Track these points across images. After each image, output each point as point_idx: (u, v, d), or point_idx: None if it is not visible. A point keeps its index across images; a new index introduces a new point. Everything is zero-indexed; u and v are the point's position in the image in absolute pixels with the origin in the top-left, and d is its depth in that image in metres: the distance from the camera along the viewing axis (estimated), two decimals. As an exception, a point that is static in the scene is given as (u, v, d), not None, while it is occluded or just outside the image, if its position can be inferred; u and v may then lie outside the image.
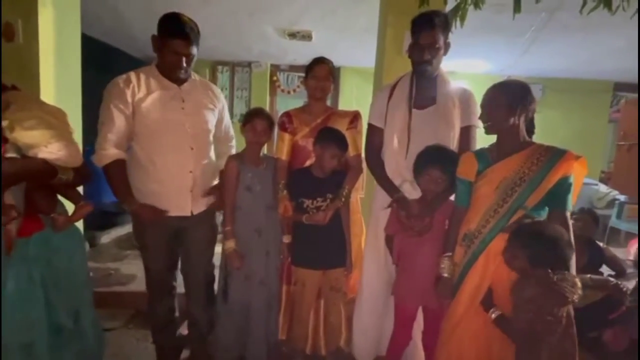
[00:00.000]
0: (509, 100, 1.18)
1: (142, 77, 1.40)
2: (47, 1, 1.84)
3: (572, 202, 1.21)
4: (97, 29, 3.54)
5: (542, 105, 4.82)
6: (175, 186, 1.44)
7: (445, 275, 1.28)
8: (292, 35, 3.58)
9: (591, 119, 4.93)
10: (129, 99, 1.35)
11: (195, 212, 1.49)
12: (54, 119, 1.11)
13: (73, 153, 1.11)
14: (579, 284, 1.05)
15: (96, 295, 1.45)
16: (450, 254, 1.30)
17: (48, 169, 1.05)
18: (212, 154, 1.58)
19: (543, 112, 4.77)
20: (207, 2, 2.85)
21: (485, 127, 1.26)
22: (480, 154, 1.30)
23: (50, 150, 1.04)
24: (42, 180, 1.08)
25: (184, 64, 1.38)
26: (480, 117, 1.27)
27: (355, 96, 4.81)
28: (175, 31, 1.33)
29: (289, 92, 5.15)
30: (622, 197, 3.85)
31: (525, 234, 1.07)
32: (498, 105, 1.19)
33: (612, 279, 1.97)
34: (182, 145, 1.43)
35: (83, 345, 1.24)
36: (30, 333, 1.07)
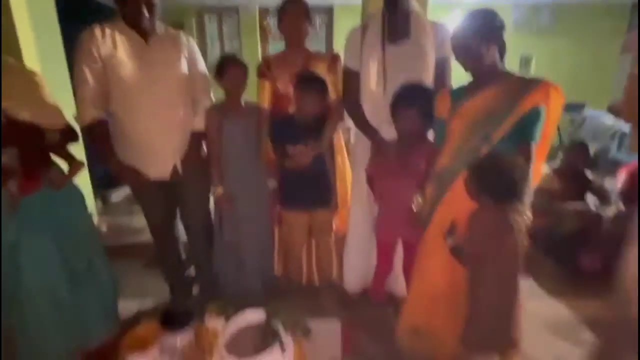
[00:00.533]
0: (474, 32, 1.14)
1: (108, 31, 1.36)
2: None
3: (552, 134, 1.20)
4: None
5: (552, 33, 4.49)
6: (156, 148, 1.45)
7: (415, 210, 1.36)
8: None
9: (604, 48, 4.60)
10: (96, 55, 1.32)
11: (181, 170, 1.52)
12: (29, 81, 1.14)
13: (52, 115, 1.16)
14: (529, 215, 1.08)
15: (110, 249, 1.59)
16: (423, 190, 1.36)
17: (34, 130, 1.11)
18: (189, 108, 1.53)
19: (552, 40, 4.48)
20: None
21: (461, 64, 1.24)
22: (456, 92, 1.29)
23: (31, 112, 1.09)
24: (31, 141, 1.14)
25: (146, 13, 1.32)
26: (454, 54, 1.24)
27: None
28: None
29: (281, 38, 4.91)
30: (626, 130, 3.76)
31: (478, 167, 1.09)
32: (464, 38, 1.15)
33: (593, 208, 2.04)
34: (156, 104, 1.41)
35: (98, 286, 1.41)
36: (50, 279, 1.23)
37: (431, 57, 1.45)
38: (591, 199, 2.23)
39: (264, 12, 4.74)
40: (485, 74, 1.19)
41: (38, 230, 1.16)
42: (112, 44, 1.35)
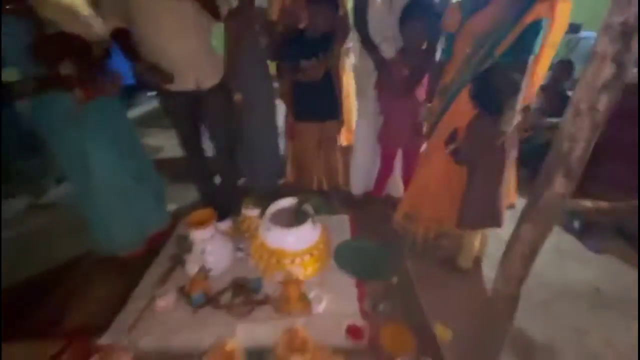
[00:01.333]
0: None
1: None
2: None
3: (555, 47, 1.25)
4: None
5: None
6: (176, 64, 1.53)
7: (422, 121, 1.57)
8: None
9: None
10: None
11: (202, 87, 1.63)
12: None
13: (97, 29, 1.26)
14: (513, 121, 1.26)
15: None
16: (429, 104, 1.54)
17: (84, 44, 1.23)
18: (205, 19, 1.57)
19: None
20: None
21: None
22: (465, 4, 1.32)
23: (81, 27, 1.19)
24: (82, 54, 1.27)
25: None
26: None
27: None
28: None
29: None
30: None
31: (479, 80, 1.25)
32: None
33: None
34: (173, 17, 1.45)
35: (152, 183, 1.69)
36: (116, 177, 1.47)
37: None
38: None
39: None
40: None
41: (100, 136, 1.37)
42: None
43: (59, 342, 1.10)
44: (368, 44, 1.66)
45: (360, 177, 2.10)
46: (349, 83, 2.06)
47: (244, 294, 1.28)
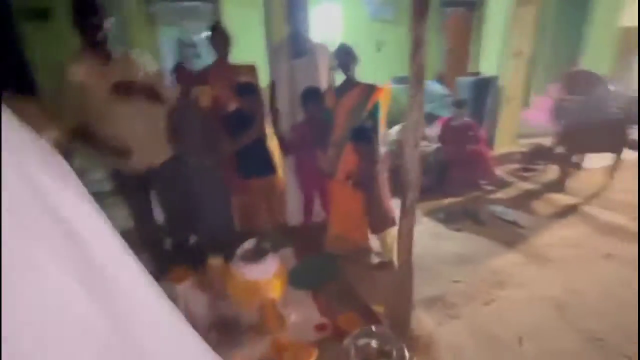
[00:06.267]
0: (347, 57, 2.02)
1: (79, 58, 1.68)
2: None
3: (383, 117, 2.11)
4: None
5: (396, 23, 5.70)
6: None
7: (325, 168, 2.20)
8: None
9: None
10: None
11: (153, 164, 1.91)
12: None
13: None
14: (380, 153, 2.05)
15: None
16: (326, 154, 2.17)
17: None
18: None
19: (396, 28, 5.75)
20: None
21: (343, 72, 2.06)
22: (337, 90, 2.12)
23: None
24: None
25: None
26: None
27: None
28: None
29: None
30: (446, 93, 5.39)
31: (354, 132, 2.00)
32: (343, 59, 2.01)
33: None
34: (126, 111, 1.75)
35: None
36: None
37: (323, 67, 2.20)
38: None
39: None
40: (350, 80, 2.04)
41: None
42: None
43: None
44: (274, 117, 2.27)
45: (294, 212, 2.58)
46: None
47: (228, 330, 1.57)
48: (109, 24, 1.70)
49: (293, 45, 2.13)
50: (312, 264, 1.99)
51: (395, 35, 5.65)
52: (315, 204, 2.50)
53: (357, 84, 2.07)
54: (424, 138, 3.44)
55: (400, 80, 5.39)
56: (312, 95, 2.09)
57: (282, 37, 2.21)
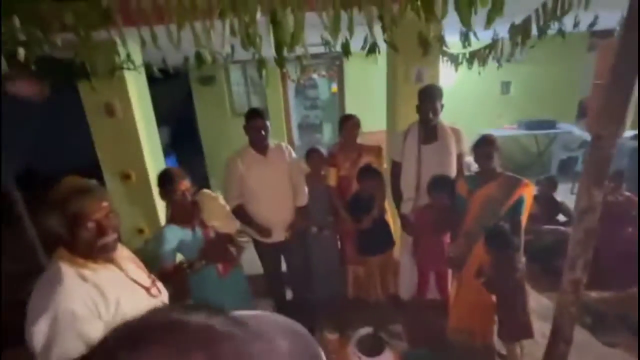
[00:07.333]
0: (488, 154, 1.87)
1: (244, 154, 2.10)
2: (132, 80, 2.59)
3: (525, 215, 1.87)
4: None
5: (525, 62, 5.17)
6: (272, 224, 2.18)
7: (449, 253, 2.11)
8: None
9: (567, 70, 5.10)
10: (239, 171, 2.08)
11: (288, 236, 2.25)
12: (219, 205, 1.87)
13: (233, 224, 1.90)
14: (522, 259, 1.83)
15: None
16: (455, 242, 2.07)
17: (230, 237, 1.84)
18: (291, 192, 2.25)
19: (525, 68, 5.16)
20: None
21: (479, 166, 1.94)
22: (469, 179, 2.00)
23: (228, 226, 1.83)
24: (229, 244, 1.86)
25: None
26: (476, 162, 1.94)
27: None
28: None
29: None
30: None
31: (489, 234, 1.82)
32: (484, 153, 1.87)
33: (561, 227, 2.80)
34: (273, 194, 2.14)
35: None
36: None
37: (454, 153, 2.14)
38: (560, 217, 3.00)
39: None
40: (490, 171, 1.89)
41: (232, 289, 1.91)
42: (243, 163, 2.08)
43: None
44: (395, 200, 2.32)
45: (407, 286, 2.56)
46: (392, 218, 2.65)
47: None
48: (269, 125, 2.11)
49: (424, 130, 2.16)
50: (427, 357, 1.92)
51: (522, 76, 5.08)
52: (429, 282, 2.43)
53: (499, 174, 1.87)
54: (568, 214, 2.93)
55: (528, 125, 4.77)
56: (440, 184, 2.05)
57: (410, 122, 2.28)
